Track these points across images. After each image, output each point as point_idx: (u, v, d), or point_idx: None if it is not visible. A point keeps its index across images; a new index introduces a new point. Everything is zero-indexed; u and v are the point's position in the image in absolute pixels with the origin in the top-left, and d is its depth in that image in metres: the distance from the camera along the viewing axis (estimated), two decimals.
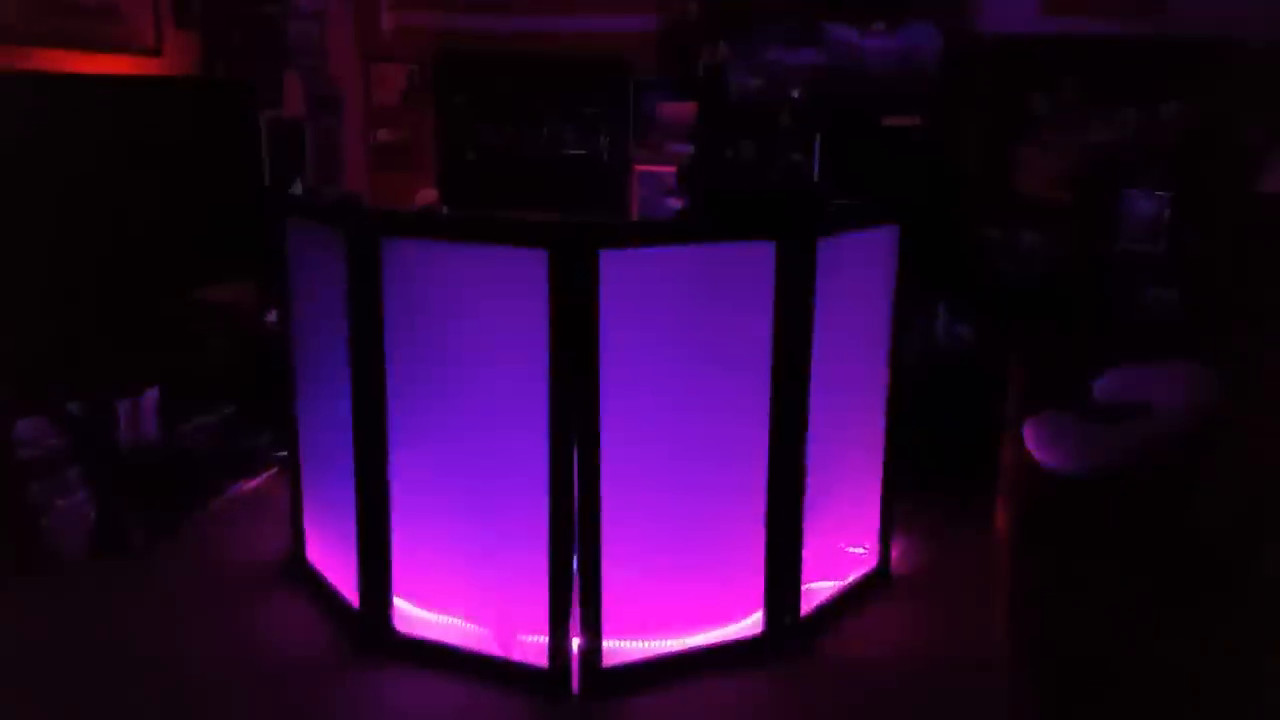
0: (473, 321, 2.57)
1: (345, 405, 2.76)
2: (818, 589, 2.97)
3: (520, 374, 2.50)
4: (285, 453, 4.10)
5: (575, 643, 2.61)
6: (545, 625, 2.61)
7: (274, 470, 4.05)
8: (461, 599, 2.77)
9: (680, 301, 2.54)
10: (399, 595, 2.79)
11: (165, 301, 3.85)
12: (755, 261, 2.54)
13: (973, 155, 4.44)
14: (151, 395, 3.58)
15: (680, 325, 2.56)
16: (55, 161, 3.30)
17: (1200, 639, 1.90)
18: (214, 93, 4.00)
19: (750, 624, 2.80)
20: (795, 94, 4.41)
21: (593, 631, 2.59)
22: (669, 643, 2.71)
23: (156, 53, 3.99)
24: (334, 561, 3.05)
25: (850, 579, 3.11)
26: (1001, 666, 2.38)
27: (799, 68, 4.40)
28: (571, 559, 2.55)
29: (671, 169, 4.86)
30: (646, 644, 2.69)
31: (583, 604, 2.57)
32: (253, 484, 3.94)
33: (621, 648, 2.66)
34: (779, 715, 2.58)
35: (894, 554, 3.31)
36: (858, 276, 2.86)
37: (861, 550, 3.18)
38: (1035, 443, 3.03)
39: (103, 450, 3.41)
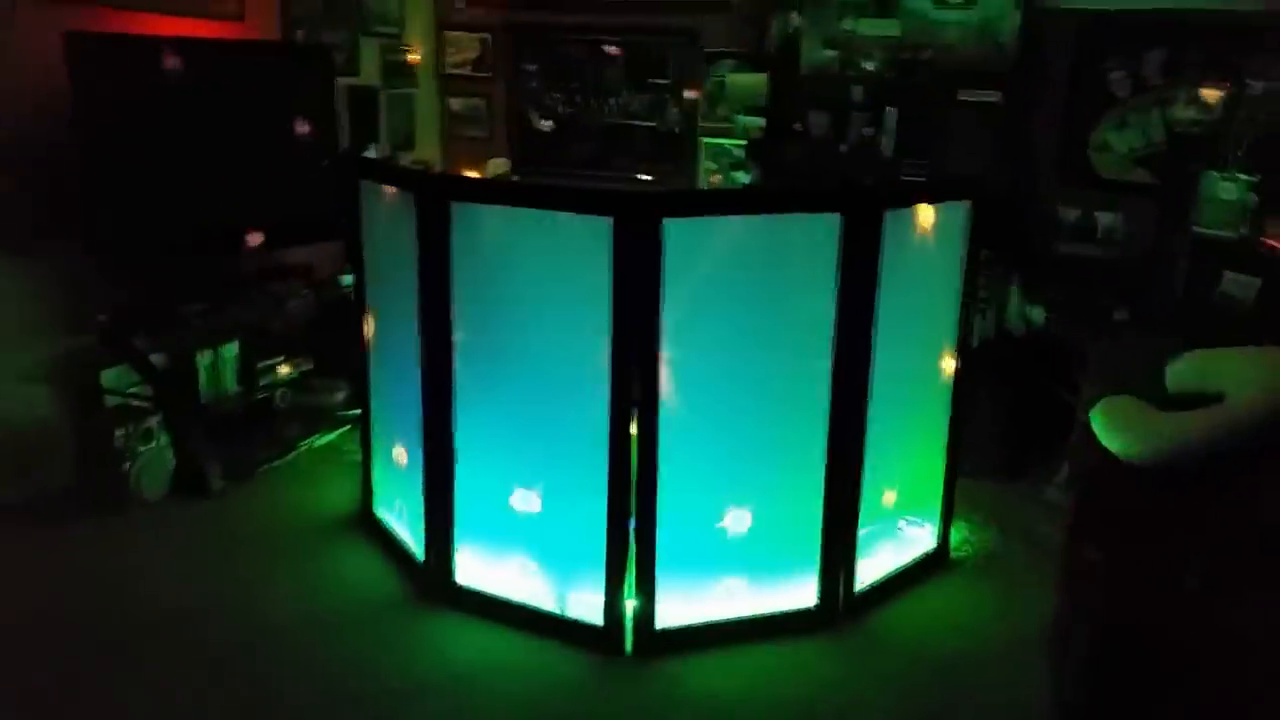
0: (538, 284, 2.62)
1: (414, 363, 2.84)
2: (874, 565, 2.98)
3: (583, 336, 2.55)
4: (358, 410, 4.25)
5: (629, 604, 2.67)
6: (600, 584, 2.67)
7: (347, 427, 4.18)
8: (521, 553, 2.84)
9: (742, 271, 2.55)
10: (461, 548, 2.88)
11: (246, 260, 3.98)
12: (820, 233, 2.54)
13: (1050, 133, 4.35)
14: (231, 350, 3.71)
15: (741, 295, 2.57)
16: (147, 121, 3.42)
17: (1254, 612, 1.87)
18: (295, 58, 4.09)
19: (805, 595, 2.82)
20: (869, 66, 4.36)
21: (647, 593, 2.64)
22: (722, 608, 2.75)
23: (240, 18, 4.09)
24: (404, 514, 3.15)
25: (908, 558, 3.11)
26: (1049, 638, 2.38)
27: (873, 40, 4.34)
28: (629, 519, 2.60)
29: (740, 141, 4.83)
30: (699, 609, 2.73)
31: (638, 566, 2.62)
32: (326, 439, 4.08)
33: (674, 611, 2.71)
34: (821, 685, 2.60)
35: (955, 536, 3.30)
36: (925, 252, 2.84)
37: (919, 527, 3.18)
38: (1103, 428, 2.99)
39: (184, 400, 3.55)
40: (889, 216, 2.60)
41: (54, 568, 3.04)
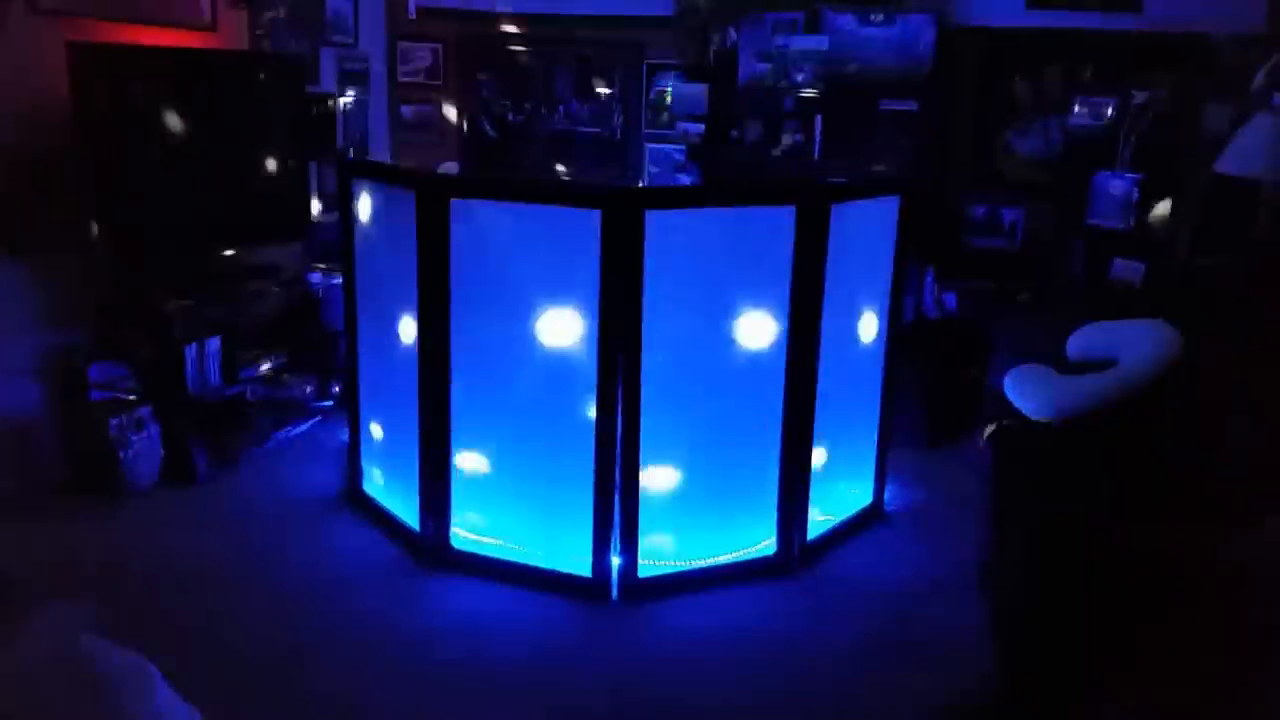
0: (529, 270, 2.92)
1: (409, 347, 3.12)
2: (822, 519, 3.36)
3: (571, 317, 2.87)
4: (328, 402, 4.48)
5: (614, 560, 3.00)
6: (588, 542, 2.99)
7: (318, 417, 4.40)
8: (513, 517, 3.14)
9: (712, 255, 2.90)
10: (456, 516, 3.16)
11: (219, 260, 4.17)
12: (777, 222, 2.91)
13: (961, 138, 4.83)
14: (214, 343, 3.91)
15: (711, 277, 2.92)
16: (140, 125, 3.61)
17: (1164, 524, 2.25)
18: (271, 66, 4.29)
19: (764, 545, 3.19)
20: (800, 78, 4.77)
21: (631, 547, 2.97)
22: (696, 560, 3.10)
23: (213, 28, 4.29)
24: (393, 489, 3.41)
25: (851, 513, 3.50)
26: (983, 570, 2.79)
27: (804, 53, 4.75)
28: (614, 481, 2.92)
29: (681, 146, 5.20)
30: (676, 561, 3.08)
31: (623, 522, 2.95)
32: (300, 428, 4.29)
33: (654, 563, 3.04)
34: (786, 617, 2.97)
35: (888, 493, 3.71)
36: (864, 238, 3.23)
37: (857, 485, 3.58)
38: (1014, 391, 3.43)
39: (172, 391, 3.74)
40: (835, 209, 2.98)
41: (65, 547, 3.21)
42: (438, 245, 2.93)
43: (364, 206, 3.36)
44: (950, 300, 4.61)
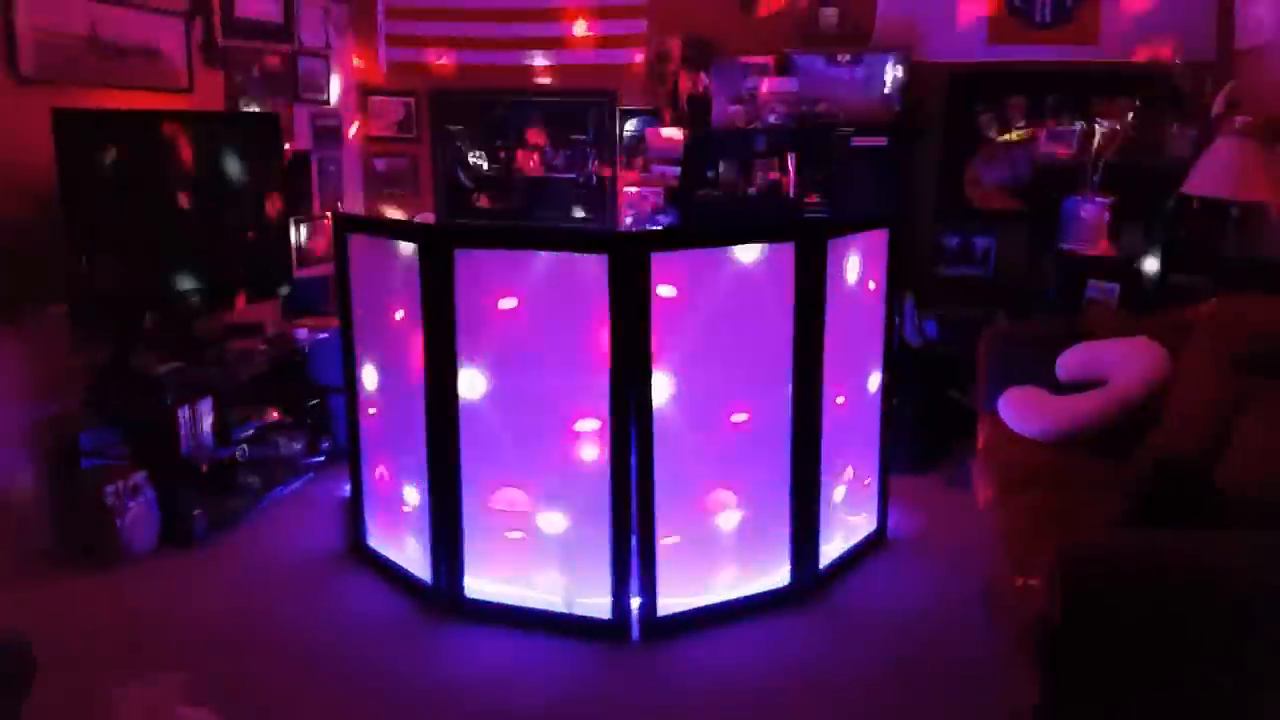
0: (534, 317, 2.95)
1: (414, 399, 3.12)
2: (830, 549, 3.39)
3: (580, 362, 2.90)
4: (319, 458, 4.44)
5: (634, 601, 3.00)
6: (605, 586, 2.99)
7: (310, 474, 4.36)
8: (526, 568, 3.13)
9: (715, 294, 2.95)
10: (469, 565, 3.14)
11: (204, 321, 4.15)
12: (777, 260, 2.97)
13: (931, 171, 4.97)
14: (206, 405, 3.87)
15: (716, 314, 2.97)
16: (115, 190, 3.60)
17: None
18: (251, 126, 4.31)
19: (778, 578, 3.21)
20: (772, 119, 4.89)
21: (650, 587, 2.98)
22: (712, 595, 3.11)
23: (189, 90, 4.30)
24: (400, 543, 3.39)
25: (855, 541, 3.54)
26: (989, 598, 2.84)
27: (774, 95, 4.87)
28: (630, 526, 2.94)
29: (658, 189, 5.29)
30: (693, 598, 3.09)
31: (641, 563, 2.96)
32: (293, 486, 4.24)
33: (672, 602, 3.05)
34: (804, 649, 2.99)
35: (890, 520, 3.76)
36: (856, 270, 3.31)
37: (860, 514, 3.62)
38: (1010, 414, 3.51)
39: (166, 455, 3.69)
40: (831, 244, 3.06)
41: (73, 616, 3.13)
42: (442, 295, 2.94)
43: (360, 260, 3.37)
44: (930, 328, 4.70)
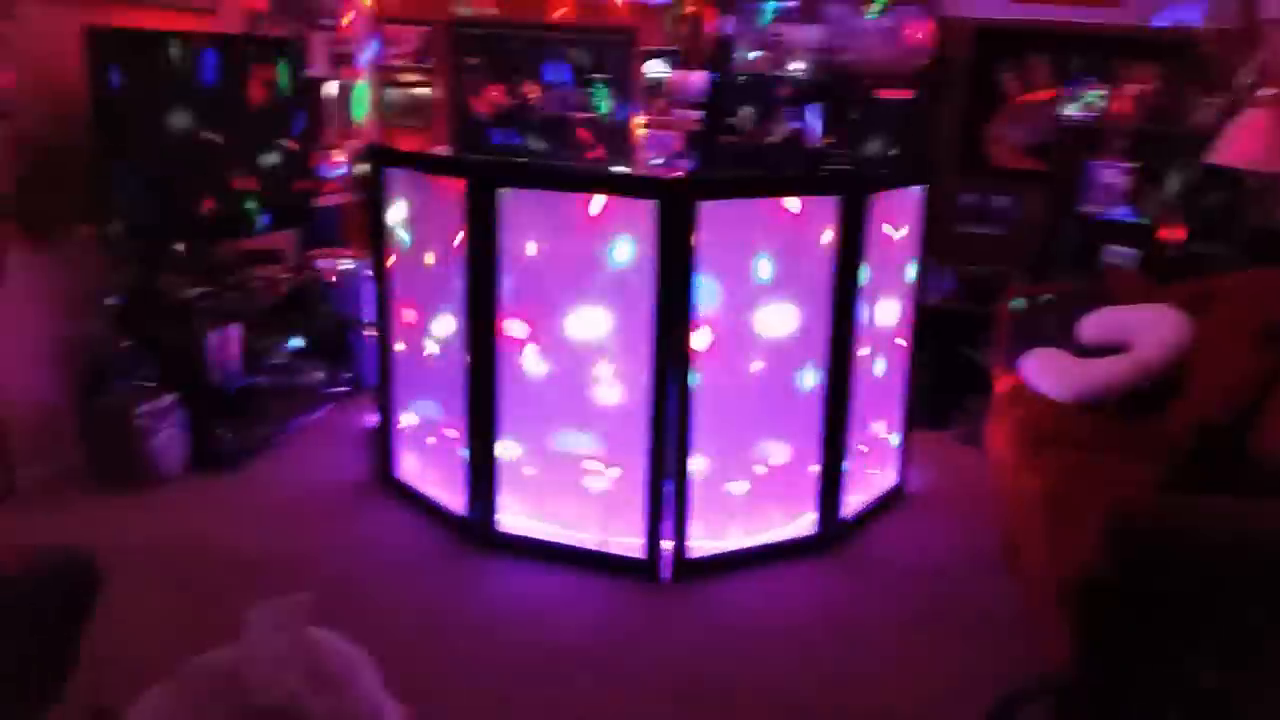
0: (577, 259, 2.97)
1: (453, 333, 3.14)
2: (853, 500, 3.48)
3: (622, 305, 2.93)
4: (341, 388, 4.47)
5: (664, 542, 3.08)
6: (637, 526, 3.06)
7: (331, 403, 4.38)
8: (558, 503, 3.19)
9: (756, 244, 2.98)
10: (502, 498, 3.21)
11: (228, 247, 4.13)
12: (819, 212, 3.00)
13: (952, 127, 4.98)
14: (234, 331, 3.87)
15: (756, 264, 3.00)
16: (154, 109, 3.56)
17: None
18: (271, 49, 4.23)
19: (804, 525, 3.30)
20: (796, 66, 4.86)
21: (681, 529, 3.06)
22: (741, 539, 3.19)
23: (212, 11, 4.21)
24: (432, 475, 3.44)
25: (876, 493, 3.63)
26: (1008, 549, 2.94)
27: (800, 42, 4.85)
28: (668, 468, 3.00)
29: (676, 132, 5.26)
30: (722, 541, 3.17)
31: (675, 505, 3.03)
32: (315, 414, 4.27)
33: (701, 544, 3.13)
34: (829, 594, 3.09)
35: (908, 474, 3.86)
36: (891, 226, 3.35)
37: (881, 468, 3.71)
38: (1034, 374, 3.59)
39: (196, 379, 3.70)
40: (872, 199, 3.09)
41: (111, 534, 3.13)
42: (485, 234, 2.95)
43: (397, 194, 3.36)
44: (947, 284, 4.76)
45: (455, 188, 3.01)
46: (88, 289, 3.61)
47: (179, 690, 1.05)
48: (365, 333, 4.46)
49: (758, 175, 4.33)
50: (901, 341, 3.64)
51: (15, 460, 3.43)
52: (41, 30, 3.36)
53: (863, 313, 3.20)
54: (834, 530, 3.32)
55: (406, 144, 5.63)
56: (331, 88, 5.19)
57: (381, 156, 3.45)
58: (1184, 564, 1.99)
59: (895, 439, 3.73)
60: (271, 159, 4.13)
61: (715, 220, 2.86)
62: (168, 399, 3.60)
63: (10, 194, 3.28)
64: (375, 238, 3.49)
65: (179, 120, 3.66)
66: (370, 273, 3.72)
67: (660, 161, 5.29)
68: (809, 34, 4.88)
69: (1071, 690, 2.24)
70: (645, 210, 2.81)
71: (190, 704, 1.05)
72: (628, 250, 2.89)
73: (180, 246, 3.83)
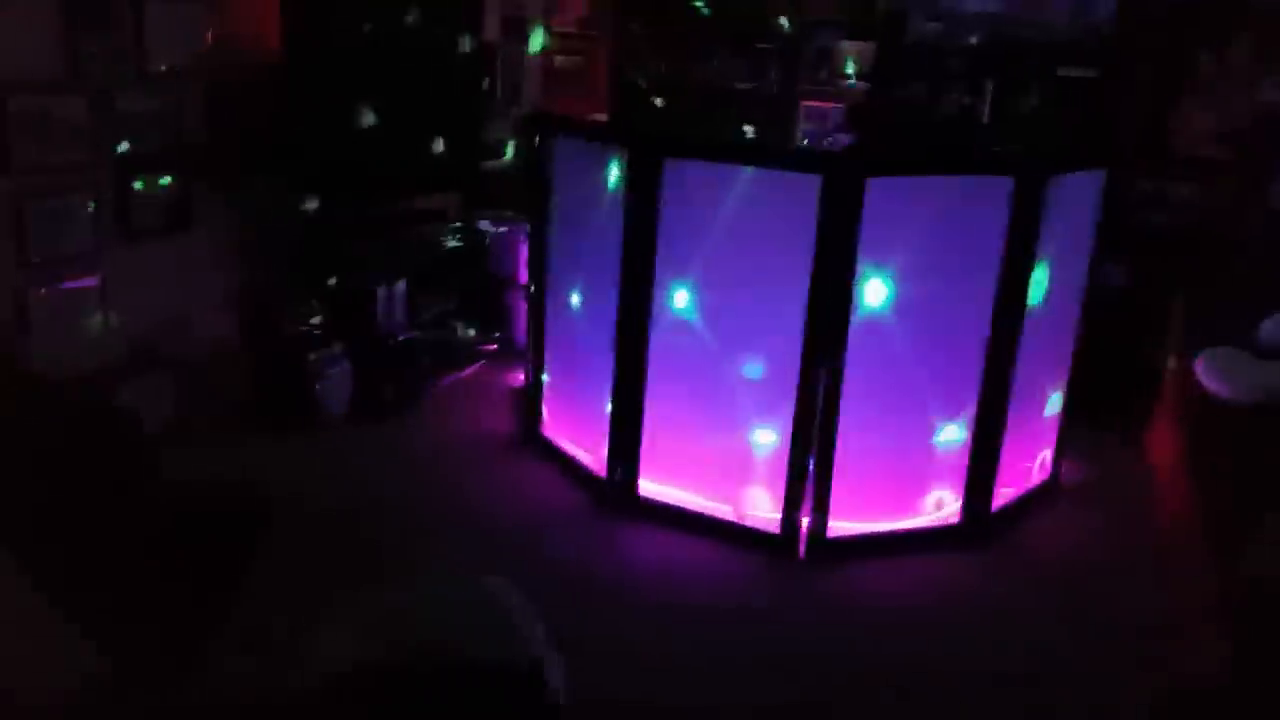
0: (733, 232, 2.97)
1: (607, 300, 3.20)
2: (1004, 492, 3.37)
3: (780, 283, 2.92)
4: (494, 346, 4.62)
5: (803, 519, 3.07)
6: (777, 501, 3.06)
7: (482, 361, 4.54)
8: (699, 475, 3.22)
9: (924, 225, 2.91)
10: (645, 465, 3.26)
11: (396, 204, 4.30)
12: (993, 193, 2.90)
13: (1135, 108, 4.70)
14: (402, 285, 4.05)
15: (920, 247, 2.93)
16: (333, 61, 3.72)
17: None
18: (454, 11, 4.35)
19: (949, 514, 3.23)
20: (973, 40, 4.69)
21: (822, 507, 3.04)
22: (881, 524, 3.15)
23: None
24: (578, 434, 3.53)
25: (1029, 487, 3.51)
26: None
27: (978, 15, 4.66)
28: (810, 444, 2.98)
29: (838, 105, 5.16)
30: (862, 524, 3.13)
31: (817, 483, 3.01)
32: (467, 371, 4.44)
33: (841, 526, 3.11)
34: (976, 585, 3.02)
35: (1063, 468, 3.71)
36: (1071, 213, 3.20)
37: (1039, 460, 3.58)
38: (1208, 374, 3.40)
39: (364, 329, 3.90)
40: (1051, 182, 2.96)
41: (274, 472, 3.35)
42: (647, 205, 2.98)
43: (559, 162, 3.43)
44: (1114, 275, 4.51)
45: (620, 157, 3.05)
46: (266, 238, 3.82)
47: (354, 627, 1.12)
48: (519, 293, 4.58)
49: (929, 153, 4.17)
50: (1070, 335, 3.48)
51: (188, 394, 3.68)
52: None
53: (1031, 299, 3.08)
54: (980, 520, 3.23)
55: (567, 110, 5.71)
56: (503, 52, 5.30)
57: (544, 123, 3.52)
58: None
59: (1054, 432, 3.59)
60: (445, 119, 4.26)
61: (885, 199, 2.80)
62: (337, 347, 3.81)
63: (201, 145, 3.50)
64: (536, 203, 3.58)
65: (365, 77, 3.81)
66: (528, 235, 3.82)
67: (821, 136, 5.21)
68: (987, 5, 4.69)
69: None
70: (808, 185, 2.78)
71: (364, 642, 1.12)
72: (787, 222, 2.87)
73: (359, 203, 4.01)
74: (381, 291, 3.93)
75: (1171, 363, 3.66)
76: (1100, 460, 3.88)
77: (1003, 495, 3.35)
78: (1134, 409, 4.19)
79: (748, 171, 2.91)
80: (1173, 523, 2.93)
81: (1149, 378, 4.20)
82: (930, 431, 3.14)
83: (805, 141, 5.30)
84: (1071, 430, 3.85)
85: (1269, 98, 4.27)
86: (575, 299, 3.48)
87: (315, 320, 3.85)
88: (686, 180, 2.97)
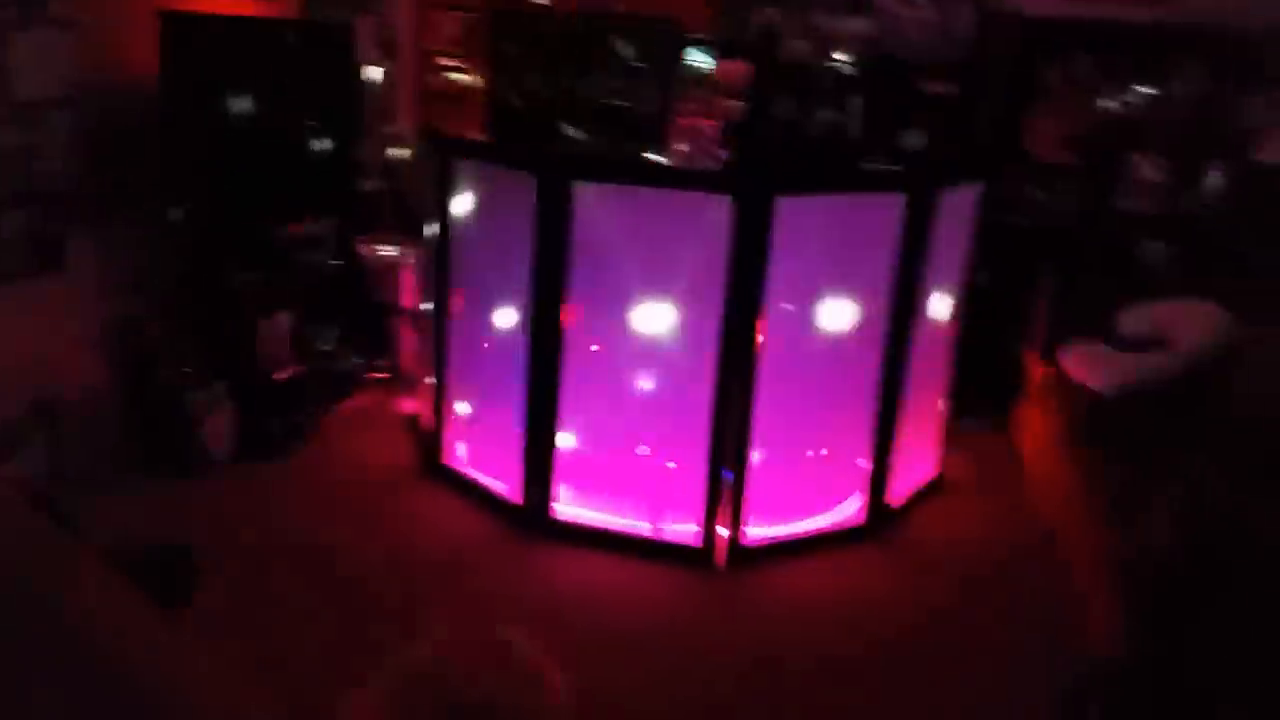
0: (642, 251, 3.00)
1: (514, 324, 3.18)
2: (899, 488, 3.52)
3: (689, 301, 2.97)
4: (384, 374, 4.50)
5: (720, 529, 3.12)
6: (692, 513, 3.11)
7: (370, 390, 4.42)
8: (613, 492, 3.24)
9: (825, 240, 3.02)
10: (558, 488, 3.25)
11: (272, 233, 4.14)
12: (886, 208, 3.03)
13: (993, 120, 4.99)
14: (284, 318, 3.90)
15: (821, 260, 3.04)
16: (211, 95, 3.57)
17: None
18: (328, 35, 4.24)
19: (852, 513, 3.35)
20: (840, 58, 4.88)
21: (738, 517, 3.10)
22: (792, 527, 3.24)
23: None
24: (485, 460, 3.48)
25: (918, 482, 3.67)
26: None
27: (846, 34, 4.86)
28: (725, 461, 3.04)
29: (715, 123, 5.27)
30: (775, 528, 3.21)
31: (733, 494, 3.07)
32: (355, 401, 4.31)
33: (755, 532, 3.18)
34: (881, 581, 3.15)
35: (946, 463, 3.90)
36: (947, 220, 3.37)
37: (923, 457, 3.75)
38: (1075, 365, 3.62)
39: (247, 366, 3.74)
40: (941, 195, 3.12)
41: (174, 521, 3.16)
42: (558, 227, 2.98)
43: (460, 185, 3.39)
44: (982, 278, 4.78)
45: (523, 180, 3.04)
46: (141, 275, 3.62)
47: (383, 691, 1.08)
48: (404, 320, 4.49)
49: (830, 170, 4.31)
50: (949, 334, 3.67)
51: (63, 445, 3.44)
52: (115, 15, 3.38)
53: (918, 306, 3.23)
54: (882, 516, 3.37)
55: (441, 130, 5.64)
56: (376, 73, 5.19)
57: (444, 144, 3.47)
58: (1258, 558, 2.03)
59: (938, 428, 3.77)
60: (320, 145, 4.15)
61: (793, 216, 2.89)
62: (218, 386, 3.63)
63: (74, 178, 3.30)
64: (436, 224, 3.52)
65: (235, 105, 3.67)
66: (411, 260, 3.75)
67: (695, 153, 5.30)
68: (857, 25, 4.89)
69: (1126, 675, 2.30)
70: (718, 206, 2.84)
71: (396, 705, 1.08)
72: (696, 244, 2.92)
73: (235, 232, 3.84)
74: (262, 324, 3.78)
75: (1034, 356, 3.89)
76: (973, 449, 4.09)
77: (900, 492, 3.50)
78: (1003, 401, 4.43)
79: (656, 192, 2.95)
80: (1056, 505, 3.11)
81: (1015, 371, 4.45)
82: (834, 437, 3.26)
83: (686, 159, 5.39)
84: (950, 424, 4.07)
85: (1107, 108, 4.62)
86: (485, 322, 3.42)
87: (194, 360, 3.67)
88: (593, 202, 2.99)
